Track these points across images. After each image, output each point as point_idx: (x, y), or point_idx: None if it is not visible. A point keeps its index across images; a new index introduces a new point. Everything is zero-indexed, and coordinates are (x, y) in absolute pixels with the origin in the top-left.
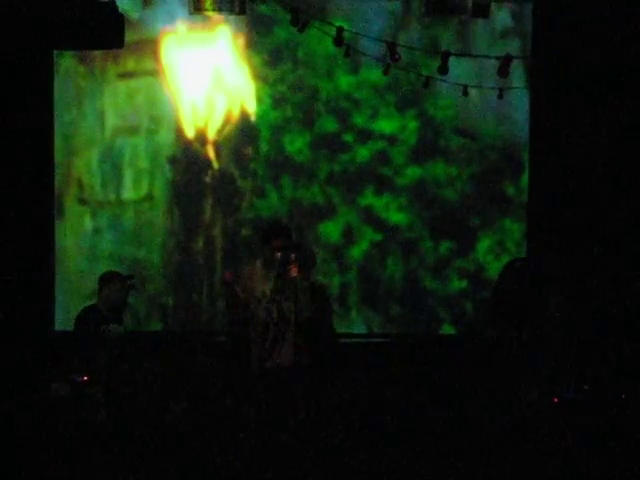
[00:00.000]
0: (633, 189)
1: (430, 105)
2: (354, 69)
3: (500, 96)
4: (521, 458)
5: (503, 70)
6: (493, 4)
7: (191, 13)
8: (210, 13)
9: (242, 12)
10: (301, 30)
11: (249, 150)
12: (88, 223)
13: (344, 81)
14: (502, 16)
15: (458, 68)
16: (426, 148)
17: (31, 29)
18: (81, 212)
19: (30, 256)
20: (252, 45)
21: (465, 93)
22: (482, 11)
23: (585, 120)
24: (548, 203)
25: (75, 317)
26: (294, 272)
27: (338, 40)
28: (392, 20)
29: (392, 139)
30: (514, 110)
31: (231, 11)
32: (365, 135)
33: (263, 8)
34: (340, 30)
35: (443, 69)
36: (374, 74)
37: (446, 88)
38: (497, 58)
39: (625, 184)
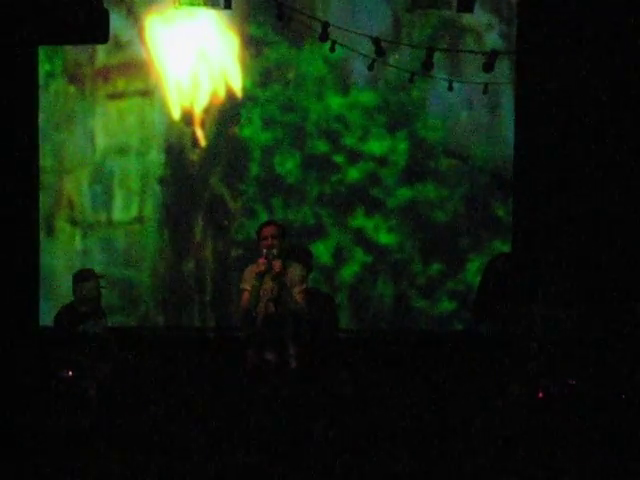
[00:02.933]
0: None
1: (420, 126)
2: (344, 90)
3: (485, 91)
4: (506, 453)
5: (488, 66)
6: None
7: (176, 8)
8: (195, 7)
9: (228, 7)
10: (286, 25)
11: (239, 171)
12: (78, 244)
13: (334, 102)
14: (487, 12)
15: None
16: (416, 169)
17: (14, 25)
18: (71, 233)
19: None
20: (243, 66)
21: (450, 88)
22: (467, 6)
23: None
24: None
25: (54, 317)
26: (277, 267)
27: (322, 35)
28: (377, 16)
29: (382, 160)
30: (504, 132)
31: (216, 5)
32: (355, 156)
33: (254, 29)
34: (325, 25)
35: (428, 65)
36: (364, 95)
37: (437, 109)
38: (482, 53)
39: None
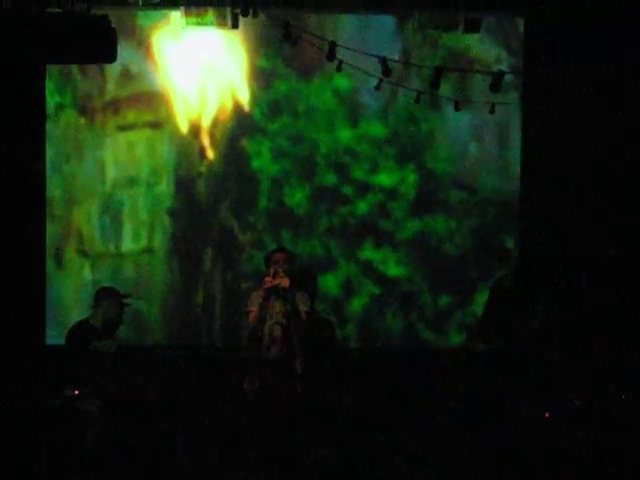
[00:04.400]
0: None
1: (429, 159)
2: (354, 123)
3: (492, 111)
4: (513, 473)
5: (495, 86)
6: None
7: (183, 28)
8: (202, 27)
9: (235, 27)
10: (293, 45)
11: (249, 203)
12: (87, 274)
13: (344, 134)
14: (496, 45)
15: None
16: (425, 201)
17: (22, 44)
18: (81, 263)
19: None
20: (252, 98)
21: (457, 109)
22: (474, 26)
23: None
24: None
25: (67, 333)
26: (285, 283)
27: (330, 55)
28: (384, 37)
29: (391, 192)
30: (512, 164)
31: (223, 25)
32: (364, 188)
33: (263, 62)
34: (333, 44)
35: (435, 84)
36: (373, 128)
37: (446, 141)
38: (489, 73)
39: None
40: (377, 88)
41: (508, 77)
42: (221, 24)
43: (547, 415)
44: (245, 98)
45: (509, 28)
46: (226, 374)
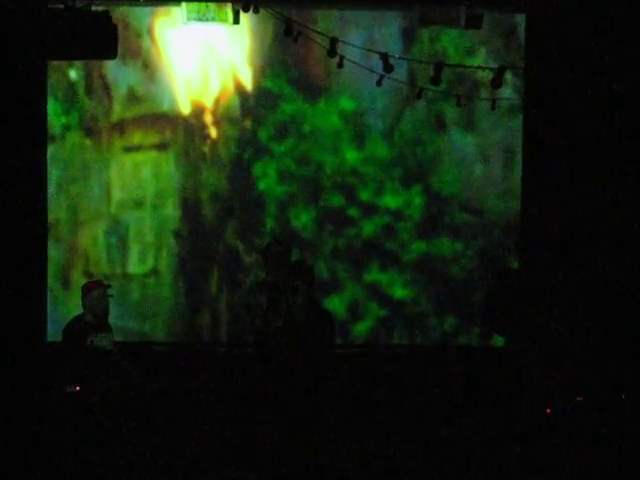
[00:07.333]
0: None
1: (435, 180)
2: (360, 144)
3: (493, 107)
4: (515, 470)
5: (496, 81)
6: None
7: (184, 23)
8: (203, 22)
9: (236, 23)
10: (295, 40)
11: (254, 225)
12: None
13: (350, 156)
14: (495, 28)
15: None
16: (431, 224)
17: (24, 40)
18: None
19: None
20: (258, 120)
21: (458, 104)
22: (475, 22)
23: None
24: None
25: (63, 329)
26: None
27: (331, 51)
28: (384, 34)
29: (397, 214)
30: (517, 186)
31: (224, 21)
32: (370, 210)
33: (269, 83)
34: (334, 41)
35: (436, 80)
36: (380, 149)
37: (451, 164)
38: (490, 69)
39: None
40: (378, 84)
41: (514, 97)
42: (221, 20)
43: (549, 411)
44: (251, 120)
45: (514, 49)
46: (230, 370)
